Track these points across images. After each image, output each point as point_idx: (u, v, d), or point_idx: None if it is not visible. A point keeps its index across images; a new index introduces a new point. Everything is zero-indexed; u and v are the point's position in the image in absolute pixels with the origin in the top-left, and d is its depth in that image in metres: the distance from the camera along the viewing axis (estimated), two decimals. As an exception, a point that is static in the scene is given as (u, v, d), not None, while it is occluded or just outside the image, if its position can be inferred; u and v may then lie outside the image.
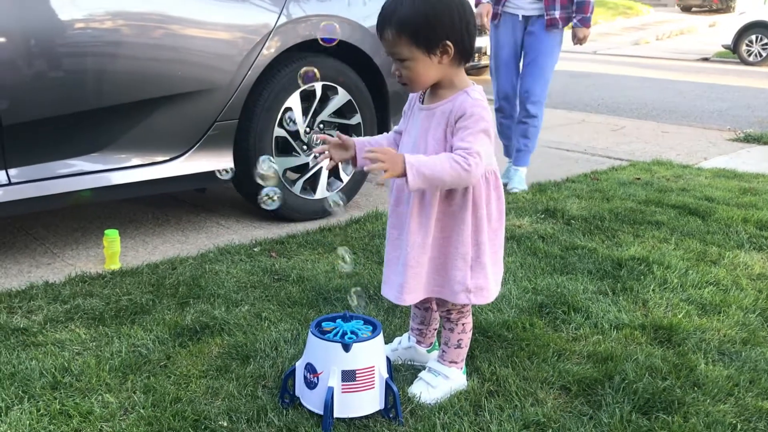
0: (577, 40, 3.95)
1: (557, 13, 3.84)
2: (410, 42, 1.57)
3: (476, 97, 1.63)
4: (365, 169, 1.59)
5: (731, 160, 5.07)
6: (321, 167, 3.34)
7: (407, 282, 1.70)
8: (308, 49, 3.20)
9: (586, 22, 3.88)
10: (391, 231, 1.78)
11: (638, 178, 4.27)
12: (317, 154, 1.77)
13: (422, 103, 1.72)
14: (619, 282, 2.56)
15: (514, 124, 4.14)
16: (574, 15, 3.86)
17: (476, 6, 3.93)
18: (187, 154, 2.90)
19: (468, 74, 1.76)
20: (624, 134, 6.20)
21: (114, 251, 2.67)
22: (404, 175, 1.52)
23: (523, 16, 3.93)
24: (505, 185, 3.67)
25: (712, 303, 2.40)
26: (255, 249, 2.83)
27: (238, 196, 3.37)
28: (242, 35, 2.92)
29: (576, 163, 4.90)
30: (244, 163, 3.07)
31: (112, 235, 2.64)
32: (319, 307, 2.27)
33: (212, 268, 2.59)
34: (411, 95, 1.80)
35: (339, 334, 1.67)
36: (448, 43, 1.59)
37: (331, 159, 1.75)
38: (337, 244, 2.89)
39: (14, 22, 2.37)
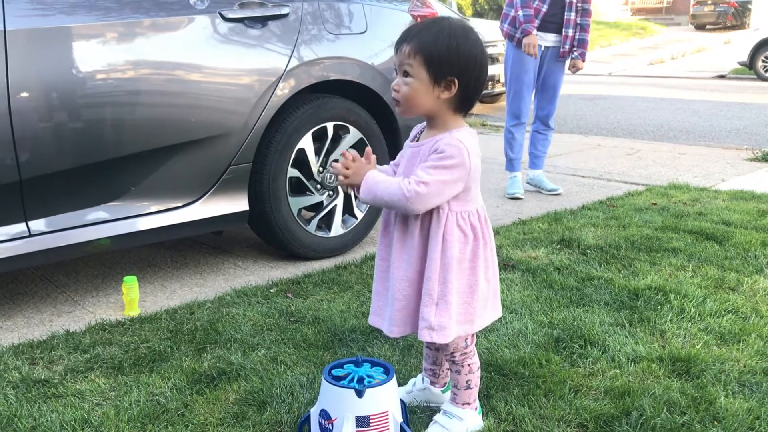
0: (576, 69, 4.66)
1: (567, 47, 4.57)
2: (422, 63, 1.61)
3: (456, 137, 1.63)
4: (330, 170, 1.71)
5: (749, 181, 5.03)
6: (335, 205, 3.38)
7: (394, 315, 1.72)
8: (319, 90, 3.25)
9: (584, 56, 4.63)
10: (380, 262, 1.79)
11: (655, 204, 4.25)
12: (332, 176, 1.88)
13: (417, 140, 1.75)
14: (636, 313, 2.54)
15: (522, 138, 4.79)
16: (575, 49, 4.58)
17: (523, 34, 4.45)
18: (202, 199, 2.95)
19: (482, 101, 1.81)
20: (640, 158, 6.18)
21: (133, 298, 2.71)
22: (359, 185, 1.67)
23: (545, 46, 4.58)
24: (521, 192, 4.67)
25: (731, 332, 2.37)
26: (271, 290, 2.86)
27: (254, 236, 3.41)
28: (254, 79, 2.97)
29: (592, 190, 4.89)
30: (259, 205, 3.12)
31: (130, 282, 2.68)
32: (334, 349, 2.29)
33: (229, 312, 2.61)
34: (413, 133, 1.83)
35: (353, 379, 1.68)
36: (455, 80, 1.62)
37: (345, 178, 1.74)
38: (352, 283, 2.91)
39: (34, 75, 2.45)
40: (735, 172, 5.43)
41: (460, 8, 25.35)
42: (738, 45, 17.12)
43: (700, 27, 26.38)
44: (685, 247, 3.29)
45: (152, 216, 2.84)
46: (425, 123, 1.76)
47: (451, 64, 1.61)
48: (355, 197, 3.43)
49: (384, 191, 1.63)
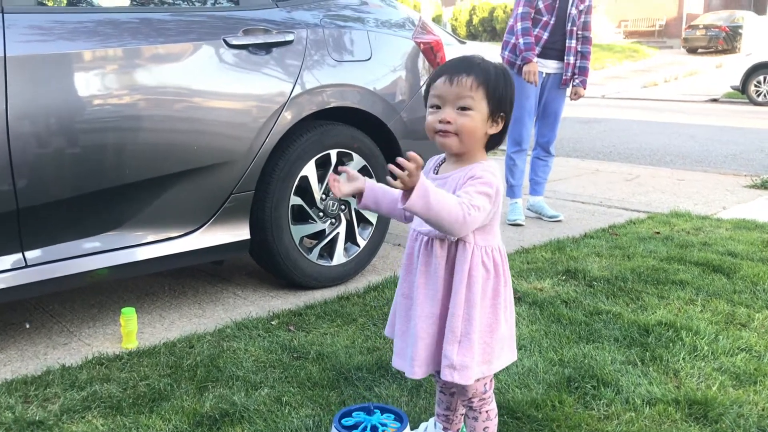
0: (577, 96, 4.66)
1: (568, 75, 4.57)
2: (484, 96, 1.59)
3: (488, 165, 1.63)
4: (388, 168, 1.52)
5: (750, 209, 5.01)
6: (338, 233, 3.32)
7: (418, 354, 1.65)
8: (323, 117, 3.21)
9: (585, 84, 4.63)
10: (403, 301, 1.73)
11: (658, 233, 4.21)
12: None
13: (436, 173, 1.71)
14: (647, 350, 2.49)
15: (523, 165, 4.75)
16: (576, 76, 4.59)
17: (524, 61, 4.42)
18: (203, 228, 2.89)
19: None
20: (639, 183, 6.16)
21: (130, 330, 2.63)
22: (411, 189, 1.43)
23: (546, 73, 4.56)
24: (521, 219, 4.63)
25: (746, 372, 2.32)
26: (273, 322, 2.79)
27: (254, 264, 3.34)
28: (258, 107, 2.92)
29: (593, 216, 4.85)
30: (261, 234, 3.05)
31: (128, 314, 2.61)
32: (340, 388, 2.21)
33: (230, 346, 2.54)
34: (430, 165, 1.78)
35: (365, 429, 1.61)
36: (504, 117, 1.63)
37: (338, 188, 1.62)
38: (356, 315, 2.84)
39: (33, 101, 2.38)
40: (735, 200, 5.40)
41: (454, 29, 25.52)
42: (730, 69, 17.29)
43: (692, 50, 26.60)
44: (692, 279, 3.25)
45: (151, 245, 2.77)
46: (442, 156, 1.72)
47: (506, 99, 1.62)
48: (359, 224, 3.38)
49: (441, 204, 1.46)
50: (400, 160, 1.44)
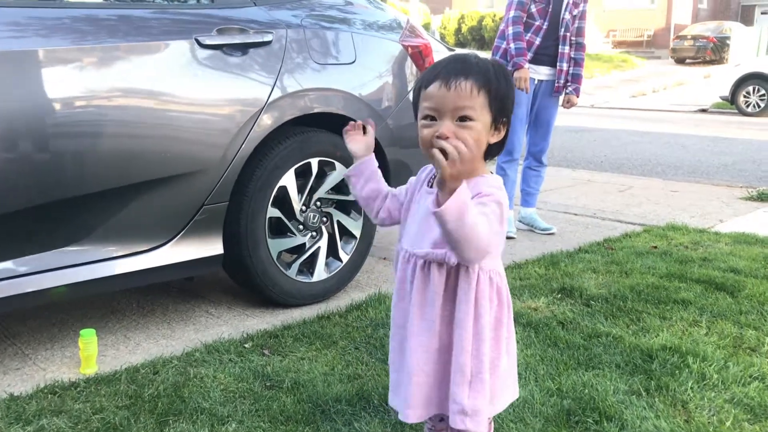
0: (570, 104, 4.46)
1: (561, 82, 4.38)
2: (485, 102, 1.38)
3: (492, 180, 1.43)
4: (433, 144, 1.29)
5: (748, 223, 4.84)
6: (319, 247, 3.11)
7: (411, 394, 1.45)
8: (304, 124, 3.00)
9: (578, 91, 4.43)
10: (396, 331, 1.54)
11: (655, 247, 4.03)
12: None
13: (430, 186, 1.50)
14: (652, 379, 2.29)
15: (515, 175, 4.51)
16: (569, 84, 4.39)
17: (515, 67, 4.21)
18: (172, 242, 2.67)
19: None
20: (632, 194, 5.99)
21: (90, 354, 2.41)
22: (455, 187, 1.22)
23: (538, 79, 4.36)
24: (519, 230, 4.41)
25: (761, 404, 2.12)
26: (246, 345, 2.57)
27: (230, 280, 3.12)
28: (233, 111, 2.71)
29: (587, 229, 4.67)
30: (235, 248, 2.84)
31: (87, 337, 2.38)
32: (316, 423, 2.00)
33: (198, 373, 2.32)
34: (415, 179, 1.58)
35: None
36: (506, 122, 1.44)
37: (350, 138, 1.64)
38: (337, 337, 2.63)
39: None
40: (732, 213, 5.24)
41: (443, 37, 25.43)
42: (718, 79, 17.23)
43: (680, 61, 26.62)
44: (695, 298, 3.06)
45: (115, 261, 2.54)
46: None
47: (507, 102, 1.42)
48: (341, 237, 3.17)
49: (474, 219, 1.25)
50: (453, 141, 1.25)
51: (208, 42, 2.65)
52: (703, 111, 16.43)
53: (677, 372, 2.33)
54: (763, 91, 14.65)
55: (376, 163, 1.63)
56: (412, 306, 1.46)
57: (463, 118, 1.36)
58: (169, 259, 2.66)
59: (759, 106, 14.72)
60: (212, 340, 2.63)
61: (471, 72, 1.38)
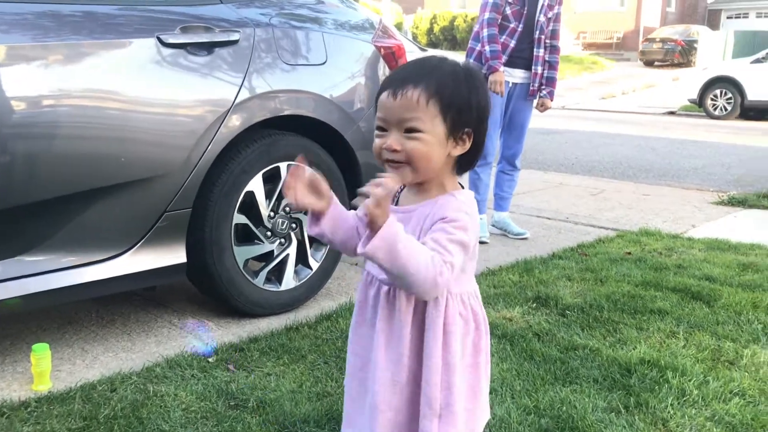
0: (544, 108, 4.44)
1: (536, 85, 4.32)
2: (438, 111, 1.25)
3: (462, 200, 1.30)
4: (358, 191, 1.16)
5: (720, 228, 4.83)
6: (287, 255, 2.99)
7: (378, 431, 1.34)
8: (273, 126, 2.88)
9: (552, 95, 4.40)
10: (353, 359, 1.41)
11: (629, 253, 3.98)
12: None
13: (396, 203, 1.38)
14: (631, 395, 2.22)
15: (488, 178, 4.44)
16: (544, 87, 4.34)
17: (489, 70, 4.14)
18: (132, 250, 2.53)
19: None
20: (605, 198, 5.97)
21: (43, 369, 2.27)
22: (377, 228, 1.13)
23: (512, 83, 4.29)
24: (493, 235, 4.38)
25: (743, 422, 2.07)
26: (210, 359, 2.45)
27: (194, 288, 2.99)
28: (198, 113, 2.59)
29: (560, 234, 4.62)
30: (200, 257, 2.72)
31: (40, 352, 2.24)
32: (283, 447, 1.90)
33: (158, 391, 2.19)
34: None
35: None
36: (471, 133, 1.29)
37: (294, 195, 1.26)
38: (306, 351, 2.52)
39: None
40: (704, 217, 5.23)
41: (415, 37, 25.38)
42: (686, 82, 17.40)
43: (649, 63, 26.92)
44: (671, 308, 3.00)
45: (71, 271, 2.41)
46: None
47: (469, 112, 1.27)
48: (311, 244, 3.07)
49: (410, 256, 1.15)
50: (367, 188, 1.12)
51: (171, 41, 2.52)
52: (672, 113, 16.63)
53: (657, 387, 2.27)
54: (729, 95, 14.85)
55: (339, 206, 1.38)
56: (377, 335, 1.33)
57: (410, 130, 1.25)
58: (128, 269, 2.53)
59: (726, 110, 14.92)
60: (174, 354, 2.50)
61: (422, 79, 1.26)
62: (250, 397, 2.14)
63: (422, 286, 1.18)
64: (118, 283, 2.53)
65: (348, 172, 3.17)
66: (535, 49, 4.25)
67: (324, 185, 1.29)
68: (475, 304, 1.36)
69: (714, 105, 15.11)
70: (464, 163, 1.35)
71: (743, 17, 33.43)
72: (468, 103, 1.27)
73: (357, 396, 1.40)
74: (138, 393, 2.18)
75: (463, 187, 1.36)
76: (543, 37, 4.24)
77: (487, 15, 4.19)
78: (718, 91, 15.04)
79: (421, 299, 1.27)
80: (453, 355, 1.29)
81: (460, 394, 1.32)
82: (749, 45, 22.53)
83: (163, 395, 2.17)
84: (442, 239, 1.22)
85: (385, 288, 1.32)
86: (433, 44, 25.78)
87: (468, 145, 1.30)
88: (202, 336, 2.68)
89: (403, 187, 1.39)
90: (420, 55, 10.16)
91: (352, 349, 1.42)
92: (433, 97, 1.25)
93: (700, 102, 15.32)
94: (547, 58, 4.32)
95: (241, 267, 2.83)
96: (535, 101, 4.41)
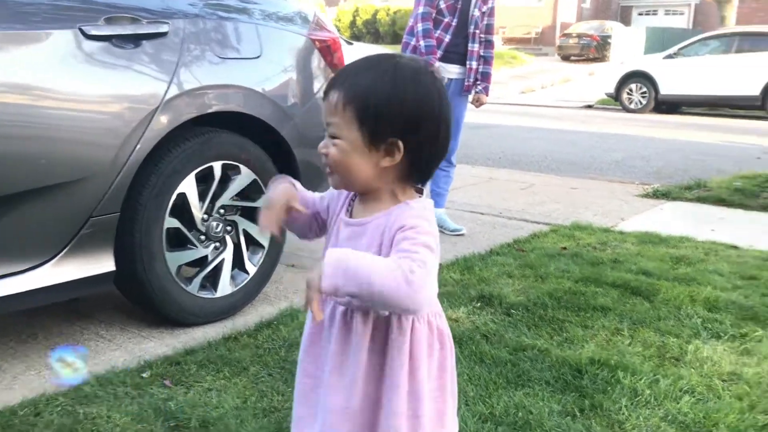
0: (479, 104, 4.41)
1: (471, 80, 4.30)
2: (353, 118, 1.16)
3: (418, 207, 1.20)
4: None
5: (648, 220, 4.93)
6: (223, 260, 2.84)
7: None
8: (206, 124, 2.72)
9: (487, 90, 4.40)
10: (304, 380, 1.31)
11: (564, 248, 4.00)
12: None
13: (350, 215, 1.29)
14: (585, 397, 2.19)
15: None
16: (479, 82, 4.33)
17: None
18: (54, 260, 2.33)
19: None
20: (534, 192, 6.02)
21: (-46, 394, 2.06)
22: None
23: (448, 78, 4.21)
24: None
25: (695, 421, 2.07)
26: (144, 375, 2.28)
27: (122, 296, 2.80)
28: (124, 111, 2.41)
29: (494, 229, 4.61)
30: (128, 264, 2.53)
31: (-49, 375, 2.03)
32: (232, 471, 1.77)
33: (88, 413, 2.02)
34: (335, 192, 1.35)
35: None
36: (398, 144, 1.17)
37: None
38: (247, 362, 2.38)
39: None
40: (631, 210, 5.34)
41: (338, 30, 25.21)
42: (602, 76, 17.93)
43: (566, 58, 27.61)
44: (613, 304, 3.01)
45: (-16, 284, 2.20)
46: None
47: (392, 120, 1.15)
48: (248, 247, 2.92)
49: (367, 267, 1.08)
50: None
51: (94, 32, 2.33)
52: (589, 107, 17.10)
53: (609, 388, 2.25)
54: (645, 89, 15.36)
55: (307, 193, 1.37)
56: (330, 356, 1.23)
57: (332, 135, 1.19)
58: (50, 280, 2.33)
59: (641, 103, 15.43)
60: (104, 370, 2.32)
61: (347, 82, 1.18)
62: (191, 416, 2.00)
63: (399, 294, 1.07)
64: (39, 296, 2.32)
65: (285, 170, 3.03)
66: (469, 44, 4.21)
67: (294, 197, 1.30)
68: (440, 323, 1.28)
69: (630, 99, 15.61)
70: (415, 176, 1.24)
71: (652, 14, 34.80)
72: (390, 111, 1.16)
73: (305, 418, 1.29)
74: (66, 416, 2.00)
75: (421, 194, 1.27)
76: (477, 31, 4.21)
77: (421, 9, 4.12)
78: (633, 86, 15.53)
79: (418, 312, 1.17)
80: (420, 382, 1.21)
81: (429, 420, 1.23)
82: (659, 41, 23.46)
83: (95, 418, 1.99)
84: (406, 245, 1.13)
85: (341, 308, 1.22)
86: (356, 37, 25.66)
87: (399, 156, 1.18)
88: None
89: (356, 196, 1.29)
90: (346, 48, 9.99)
91: (302, 370, 1.32)
92: (350, 103, 1.16)
93: (616, 96, 15.79)
94: (482, 53, 4.29)
95: (174, 274, 2.67)
96: (470, 97, 4.37)
